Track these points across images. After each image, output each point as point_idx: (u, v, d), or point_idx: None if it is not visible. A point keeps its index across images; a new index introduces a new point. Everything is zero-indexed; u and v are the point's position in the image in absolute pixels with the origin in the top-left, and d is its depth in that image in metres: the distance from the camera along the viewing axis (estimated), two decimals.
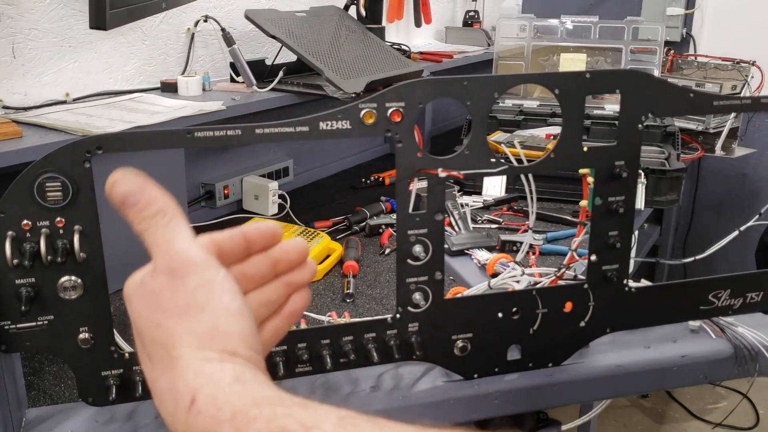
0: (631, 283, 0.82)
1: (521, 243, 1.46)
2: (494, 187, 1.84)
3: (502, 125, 2.08)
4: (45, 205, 0.62)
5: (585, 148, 0.76)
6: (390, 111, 0.68)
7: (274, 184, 1.70)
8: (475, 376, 0.80)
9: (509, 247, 1.35)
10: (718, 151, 2.38)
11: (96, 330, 0.67)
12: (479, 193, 1.81)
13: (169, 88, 1.45)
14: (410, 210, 0.73)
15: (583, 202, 0.86)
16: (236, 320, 0.44)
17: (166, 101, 1.34)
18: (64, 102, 1.29)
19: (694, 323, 0.92)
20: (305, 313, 0.94)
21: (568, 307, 0.81)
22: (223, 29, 1.47)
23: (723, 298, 0.86)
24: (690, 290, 0.85)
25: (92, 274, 0.65)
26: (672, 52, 2.65)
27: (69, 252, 0.63)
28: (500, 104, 2.23)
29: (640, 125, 0.76)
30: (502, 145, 1.88)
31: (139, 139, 0.63)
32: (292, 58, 1.65)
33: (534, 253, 1.29)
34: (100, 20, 0.97)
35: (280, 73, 1.54)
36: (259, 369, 0.43)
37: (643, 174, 1.79)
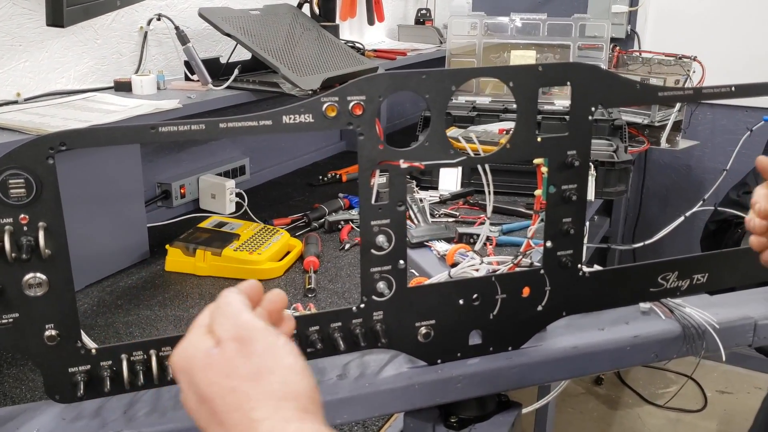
0: (585, 268, 0.85)
1: (478, 235, 1.49)
2: (449, 182, 1.87)
3: (456, 121, 2.12)
4: (8, 202, 0.62)
5: (539, 139, 0.79)
6: (351, 104, 0.70)
7: (231, 183, 1.70)
8: (439, 361, 0.82)
9: (467, 239, 1.38)
10: (664, 144, 2.47)
11: (62, 326, 0.67)
12: (435, 188, 1.84)
13: (122, 87, 1.43)
14: (372, 202, 0.74)
15: (538, 192, 0.90)
16: (302, 378, 0.48)
17: (120, 100, 1.33)
18: (15, 102, 1.27)
19: (644, 305, 0.96)
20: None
21: (526, 292, 0.84)
22: (176, 27, 1.47)
23: (671, 280, 0.91)
24: (640, 273, 0.89)
25: (57, 270, 0.65)
26: (617, 48, 2.73)
27: (33, 249, 0.63)
28: (454, 101, 2.26)
29: (590, 116, 0.80)
30: (459, 139, 1.92)
31: (102, 135, 0.63)
32: (247, 56, 1.65)
33: (491, 244, 1.33)
34: (57, 17, 0.96)
35: (236, 71, 1.54)
36: (325, 423, 0.47)
37: (592, 166, 1.86)
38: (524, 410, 0.96)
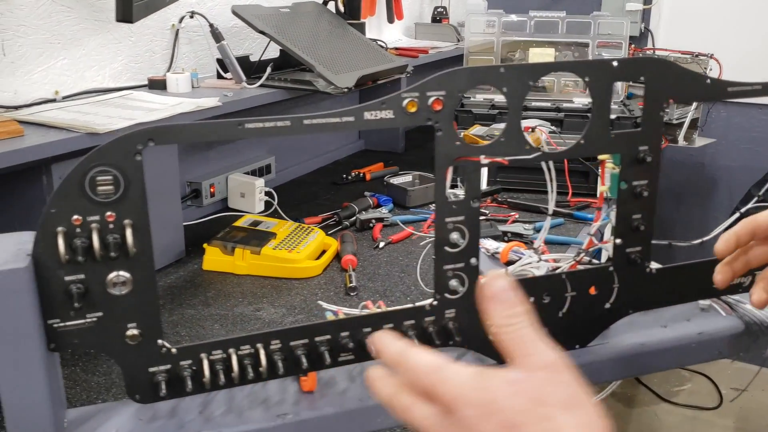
0: (653, 265, 0.85)
1: (514, 233, 1.49)
2: None
3: (478, 119, 2.11)
4: (96, 199, 0.61)
5: (612, 134, 0.78)
6: (431, 100, 0.69)
7: (260, 182, 1.69)
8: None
9: (505, 238, 1.38)
10: (681, 141, 2.47)
11: (144, 325, 0.66)
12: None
13: (157, 85, 1.42)
14: (448, 198, 0.74)
15: (602, 188, 0.89)
16: (601, 416, 0.48)
17: (158, 98, 1.32)
18: (53, 100, 1.25)
19: (704, 302, 0.95)
20: (336, 308, 0.94)
21: (593, 290, 0.83)
22: (211, 25, 1.45)
23: None
24: (705, 270, 0.88)
25: (142, 268, 0.64)
26: (632, 46, 2.73)
27: (119, 246, 0.62)
28: (471, 99, 2.27)
29: (661, 111, 0.79)
30: (486, 137, 1.91)
31: (190, 131, 0.62)
32: (274, 53, 1.64)
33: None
34: (126, 13, 0.95)
35: (268, 69, 1.53)
36: None
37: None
38: None
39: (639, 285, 0.85)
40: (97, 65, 1.36)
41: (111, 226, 0.62)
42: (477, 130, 2.00)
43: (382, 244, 1.48)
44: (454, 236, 0.75)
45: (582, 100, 2.32)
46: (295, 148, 2.02)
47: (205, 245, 1.36)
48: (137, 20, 1.02)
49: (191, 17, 1.47)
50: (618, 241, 0.82)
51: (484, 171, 1.86)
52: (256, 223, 1.47)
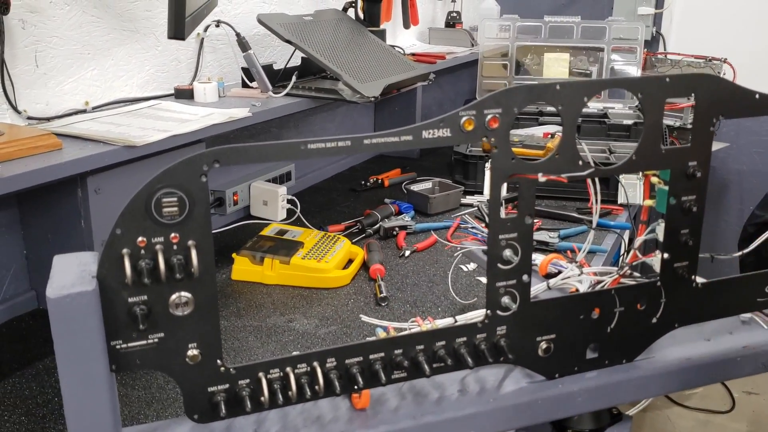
0: (698, 279, 0.85)
1: (539, 241, 1.49)
2: None
3: None
4: (161, 221, 0.61)
5: (663, 150, 0.78)
6: (488, 118, 0.69)
7: (282, 189, 1.69)
8: (557, 375, 0.82)
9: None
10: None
11: (204, 345, 0.66)
12: (480, 193, 1.84)
13: (183, 94, 1.42)
14: (502, 215, 0.74)
15: (647, 202, 0.89)
16: None
17: (187, 108, 1.31)
18: (84, 111, 1.25)
19: (744, 315, 0.95)
20: (387, 324, 0.94)
21: (641, 305, 0.83)
22: (237, 34, 1.45)
23: None
24: (748, 283, 0.89)
25: (204, 289, 0.64)
26: (645, 50, 2.73)
27: (183, 268, 0.62)
28: None
29: (711, 127, 0.79)
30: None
31: (255, 152, 0.62)
32: (296, 61, 1.64)
33: (572, 251, 1.32)
34: (179, 30, 0.95)
35: (293, 78, 1.53)
36: None
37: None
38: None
39: (685, 299, 0.85)
40: (125, 75, 1.36)
41: (175, 247, 0.62)
42: None
43: (407, 253, 1.48)
44: (507, 253, 0.75)
45: (596, 105, 2.32)
46: None
47: (234, 255, 1.36)
48: (187, 36, 1.02)
49: (217, 26, 1.47)
50: (666, 255, 0.82)
51: None
52: (282, 232, 1.47)
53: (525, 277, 0.77)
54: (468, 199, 1.80)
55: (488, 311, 0.76)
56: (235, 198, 1.67)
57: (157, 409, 0.96)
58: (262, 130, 1.76)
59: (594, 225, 0.95)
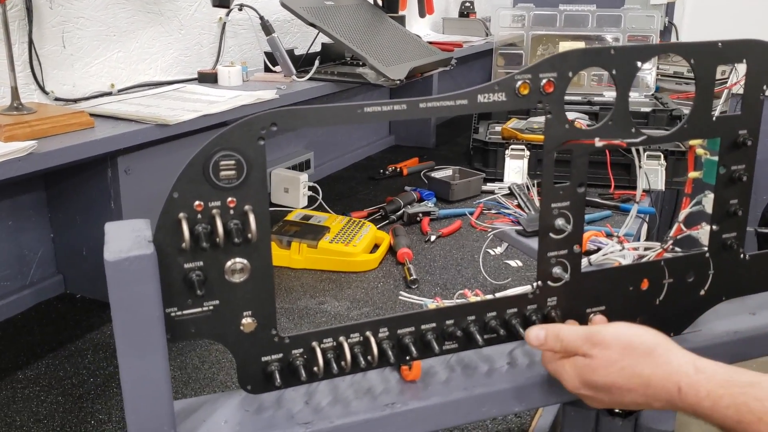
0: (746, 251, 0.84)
1: None
2: (515, 174, 1.85)
3: (512, 113, 2.10)
4: (219, 184, 0.59)
5: (714, 118, 0.77)
6: (543, 82, 0.68)
7: (304, 176, 1.68)
8: None
9: None
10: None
11: (259, 314, 0.65)
12: (501, 180, 1.82)
13: (207, 78, 1.41)
14: (552, 183, 0.72)
15: (692, 174, 0.88)
16: None
17: (212, 91, 1.30)
18: (110, 93, 1.24)
19: None
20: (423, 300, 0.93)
21: (689, 277, 0.82)
22: (261, 18, 1.44)
23: None
24: None
25: (259, 255, 0.63)
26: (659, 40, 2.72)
27: (240, 233, 0.61)
28: None
29: (762, 94, 0.78)
30: (525, 130, 1.90)
31: (313, 115, 0.61)
32: (316, 46, 1.63)
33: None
34: None
35: (316, 62, 1.52)
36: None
37: (662, 156, 1.84)
38: None
39: (733, 271, 0.84)
40: (150, 58, 1.35)
41: (232, 212, 0.61)
42: (514, 123, 1.99)
43: (433, 238, 1.47)
44: (560, 222, 0.73)
45: (612, 94, 2.31)
46: (329, 143, 2.01)
47: None
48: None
49: (240, 10, 1.46)
50: (714, 227, 0.81)
51: (523, 164, 1.85)
52: (307, 218, 1.46)
53: (576, 248, 0.75)
54: (488, 186, 1.78)
55: (539, 282, 0.75)
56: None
57: (195, 389, 0.95)
58: None
59: (638, 198, 0.94)
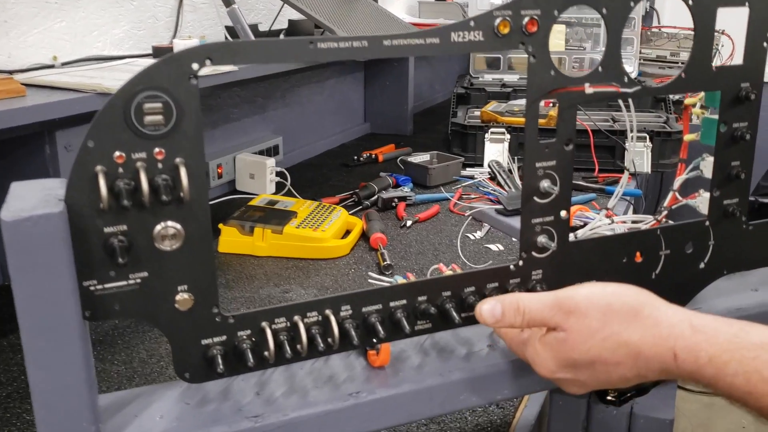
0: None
1: None
2: (496, 157, 1.77)
3: (491, 97, 2.03)
4: (143, 131, 0.50)
5: (714, 68, 0.69)
6: (526, 20, 0.60)
7: (271, 161, 1.58)
8: None
9: None
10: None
11: (197, 289, 0.55)
12: (480, 165, 1.74)
13: (162, 53, 1.30)
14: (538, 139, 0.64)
15: (688, 137, 0.80)
16: None
17: None
18: (52, 66, 1.13)
19: None
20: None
21: (688, 248, 0.74)
22: None
23: None
24: None
25: (195, 219, 0.53)
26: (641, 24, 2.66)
27: (171, 191, 0.51)
28: (481, 79, 2.19)
29: (765, 43, 0.70)
30: (505, 113, 1.82)
31: (255, 49, 0.51)
32: (282, 23, 1.54)
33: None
34: None
35: (281, 37, 1.42)
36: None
37: (648, 137, 1.77)
38: None
39: (735, 242, 0.76)
40: (98, 30, 1.24)
41: (160, 165, 0.51)
42: (494, 106, 1.91)
43: (409, 223, 1.38)
44: (545, 184, 0.65)
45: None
46: (301, 129, 1.91)
47: (220, 225, 1.25)
48: None
49: None
50: (716, 192, 0.73)
51: (503, 147, 1.77)
52: (272, 203, 1.36)
53: (563, 213, 0.67)
54: (468, 171, 1.70)
55: (522, 253, 0.66)
56: (219, 170, 1.56)
57: (139, 384, 0.85)
58: (247, 99, 1.65)
59: (627, 164, 0.86)
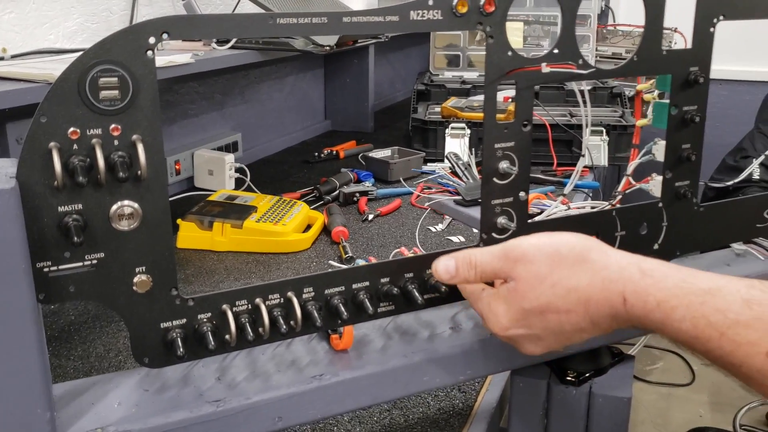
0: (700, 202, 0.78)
1: None
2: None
3: (451, 93, 2.04)
4: (98, 106, 0.49)
5: (664, 52, 0.71)
6: (483, 0, 0.60)
7: (230, 157, 1.56)
8: None
9: None
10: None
11: (155, 270, 0.54)
12: (441, 161, 1.75)
13: None
14: (495, 121, 0.64)
15: (640, 122, 0.82)
16: None
17: None
18: (1, 58, 1.10)
19: (739, 247, 0.89)
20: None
21: (643, 229, 0.76)
22: None
23: None
24: (748, 207, 0.83)
25: (153, 197, 0.52)
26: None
27: (128, 168, 0.50)
28: (440, 76, 2.21)
29: (712, 28, 0.73)
30: (465, 109, 1.84)
31: (214, 24, 0.51)
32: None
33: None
34: None
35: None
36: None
37: (604, 131, 1.80)
38: None
39: (687, 223, 0.78)
40: (49, 23, 1.21)
41: (116, 142, 0.50)
42: (454, 102, 1.92)
43: (371, 217, 1.38)
44: (504, 165, 0.66)
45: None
46: (260, 126, 1.90)
47: (179, 221, 1.23)
48: None
49: None
50: (668, 174, 0.75)
51: (462, 143, 1.79)
52: (232, 198, 1.34)
53: (522, 194, 0.68)
54: (429, 166, 1.71)
55: (483, 234, 0.67)
56: (177, 167, 1.54)
57: None
58: (205, 96, 1.63)
59: (584, 151, 0.88)
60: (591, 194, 1.56)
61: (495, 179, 0.66)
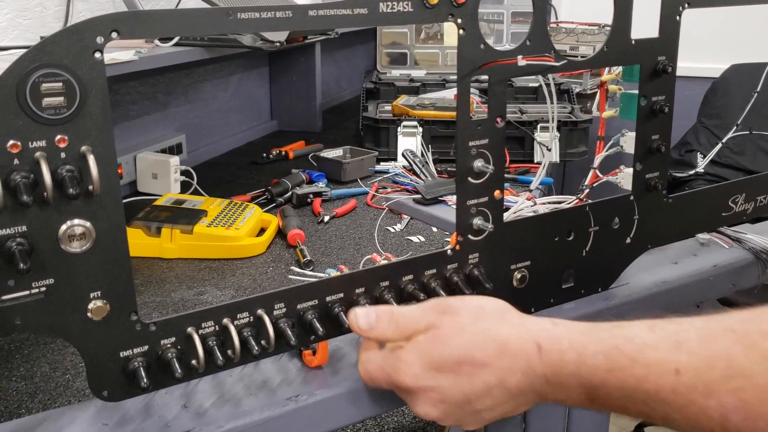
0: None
1: None
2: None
3: (401, 92, 2.02)
4: (41, 115, 0.43)
5: (633, 42, 0.69)
6: None
7: (175, 159, 1.49)
8: (533, 309, 0.71)
9: None
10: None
11: (112, 294, 0.49)
12: (395, 159, 1.72)
13: None
14: (471, 118, 0.62)
15: (607, 114, 0.81)
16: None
17: None
18: None
19: (703, 237, 0.90)
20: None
21: (615, 223, 0.75)
22: None
23: (739, 203, 0.85)
24: (714, 197, 0.83)
25: (106, 215, 0.47)
26: None
27: (77, 184, 0.45)
28: (389, 74, 2.18)
29: (678, 16, 0.72)
30: (417, 107, 1.81)
31: (169, 21, 0.46)
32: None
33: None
34: None
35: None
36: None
37: (555, 127, 1.81)
38: None
39: (658, 216, 0.77)
40: None
41: (63, 154, 0.45)
42: (405, 100, 1.90)
43: (327, 218, 1.34)
44: (478, 164, 0.63)
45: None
46: (204, 127, 1.83)
47: None
48: None
49: None
50: (638, 166, 0.74)
51: (416, 141, 1.76)
52: (180, 202, 1.28)
53: (497, 194, 0.65)
54: (382, 166, 1.67)
55: (459, 237, 0.64)
56: (119, 171, 1.46)
57: (43, 401, 0.76)
58: (147, 96, 1.55)
59: (550, 146, 0.86)
60: (545, 190, 1.56)
61: (470, 179, 0.63)
